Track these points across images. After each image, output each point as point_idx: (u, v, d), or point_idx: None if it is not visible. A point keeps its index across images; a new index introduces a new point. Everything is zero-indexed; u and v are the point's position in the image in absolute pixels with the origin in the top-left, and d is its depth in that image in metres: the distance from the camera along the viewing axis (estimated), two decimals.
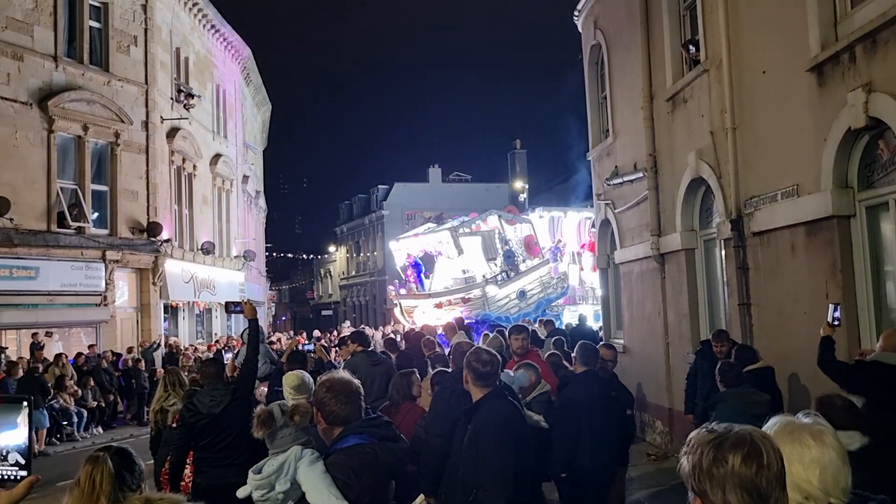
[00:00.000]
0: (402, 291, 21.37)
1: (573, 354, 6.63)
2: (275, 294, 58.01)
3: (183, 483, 5.42)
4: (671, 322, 10.50)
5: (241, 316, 6.29)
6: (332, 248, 61.38)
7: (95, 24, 18.48)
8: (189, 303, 22.75)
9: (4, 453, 2.06)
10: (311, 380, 4.69)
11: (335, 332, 28.29)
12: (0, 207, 15.18)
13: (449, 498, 4.44)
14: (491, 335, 10.32)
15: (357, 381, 3.34)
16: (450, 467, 4.50)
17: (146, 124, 19.49)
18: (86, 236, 17.32)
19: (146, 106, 19.57)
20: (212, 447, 5.34)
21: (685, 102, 9.72)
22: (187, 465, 5.53)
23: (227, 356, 14.19)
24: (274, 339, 21.79)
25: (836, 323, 5.59)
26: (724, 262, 9.01)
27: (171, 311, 21.91)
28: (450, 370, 6.09)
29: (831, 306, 5.67)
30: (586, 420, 5.75)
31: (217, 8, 25.06)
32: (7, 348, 15.37)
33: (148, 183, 19.48)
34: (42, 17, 16.75)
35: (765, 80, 7.69)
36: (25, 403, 2.11)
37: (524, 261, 21.20)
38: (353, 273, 56.22)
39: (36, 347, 15.66)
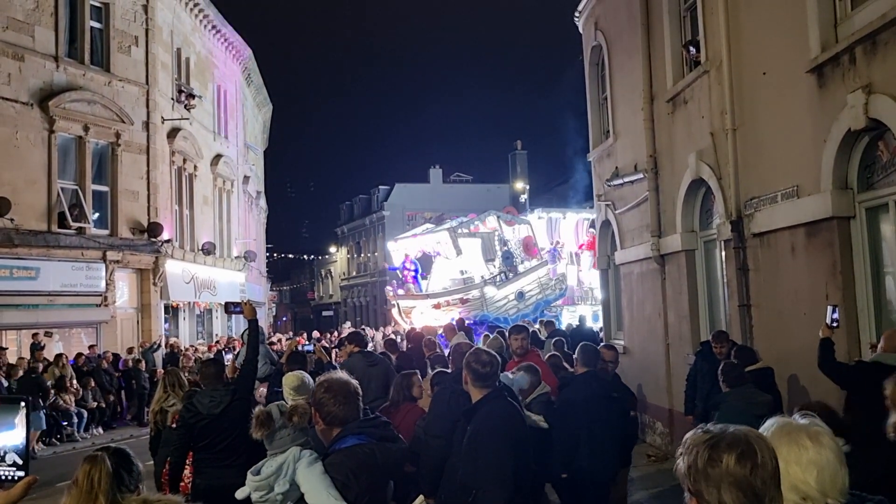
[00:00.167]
0: (400, 292, 21.35)
1: (574, 356, 6.63)
2: (275, 295, 57.98)
3: (182, 484, 5.42)
4: (671, 323, 10.50)
5: (242, 316, 6.29)
6: (332, 249, 61.40)
7: (96, 25, 18.50)
8: (189, 303, 22.76)
9: (2, 454, 2.06)
10: (311, 380, 4.69)
11: (336, 333, 28.27)
12: (0, 208, 15.20)
13: (448, 499, 4.43)
14: (491, 336, 10.35)
15: (355, 382, 3.33)
16: (449, 468, 4.50)
17: (147, 125, 19.51)
18: (86, 237, 17.33)
19: (147, 106, 19.58)
20: (211, 448, 5.33)
21: (685, 103, 9.72)
22: (187, 466, 5.52)
23: (228, 357, 14.22)
24: (274, 339, 21.80)
25: (834, 325, 5.59)
26: (724, 263, 9.01)
27: (172, 311, 21.92)
28: (449, 371, 6.09)
29: (829, 308, 5.67)
30: (585, 421, 5.75)
31: (218, 8, 25.10)
32: (7, 349, 15.38)
33: (148, 183, 19.49)
34: (43, 18, 16.77)
35: (765, 81, 7.69)
36: (23, 404, 2.11)
37: (522, 262, 21.20)
38: (354, 274, 56.26)
39: (36, 348, 15.66)
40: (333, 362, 8.62)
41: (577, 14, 14.71)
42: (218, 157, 25.37)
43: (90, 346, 17.36)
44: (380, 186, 51.83)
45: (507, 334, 8.04)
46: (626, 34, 11.82)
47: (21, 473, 2.05)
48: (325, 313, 58.74)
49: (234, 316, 20.27)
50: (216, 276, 24.28)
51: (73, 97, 17.28)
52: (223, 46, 27.05)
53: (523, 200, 36.44)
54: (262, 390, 6.84)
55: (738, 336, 8.09)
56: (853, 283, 6.42)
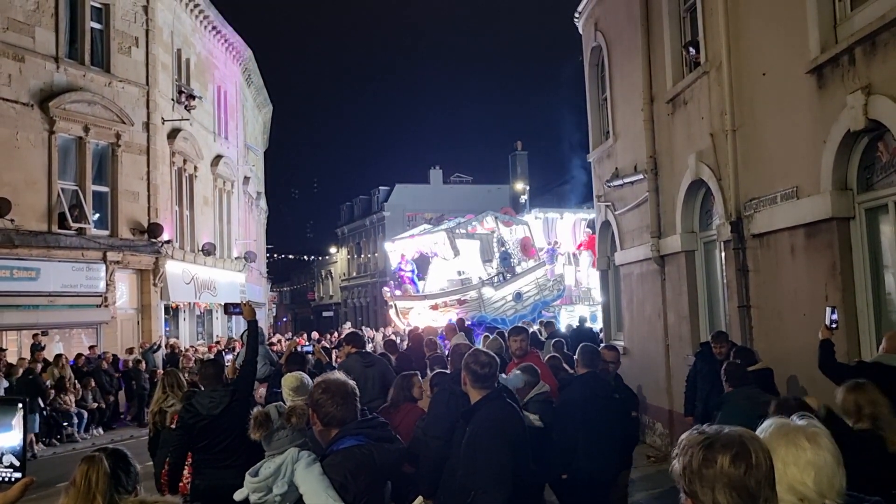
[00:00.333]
0: (398, 293, 21.34)
1: (575, 357, 6.62)
2: (276, 295, 58.02)
3: (181, 484, 5.41)
4: (671, 324, 10.50)
5: (241, 317, 6.28)
6: (332, 250, 61.42)
7: (97, 26, 18.52)
8: (190, 304, 22.77)
9: None
10: (311, 381, 4.68)
11: (336, 334, 28.27)
12: (1, 208, 15.21)
13: (447, 500, 4.43)
14: (490, 337, 10.35)
15: (353, 383, 3.33)
16: (448, 469, 4.50)
17: (147, 125, 19.53)
18: (86, 237, 17.35)
19: (147, 107, 19.60)
20: (210, 449, 5.32)
21: (685, 104, 9.72)
22: (186, 467, 5.52)
23: (228, 358, 14.21)
24: (274, 340, 21.80)
25: (833, 326, 5.58)
26: (723, 263, 9.01)
27: (172, 312, 21.93)
28: (448, 371, 6.09)
29: (828, 309, 5.67)
30: (585, 422, 5.74)
31: (218, 9, 25.13)
32: (7, 349, 15.38)
33: (149, 184, 19.50)
34: (43, 19, 16.78)
35: (765, 82, 7.70)
36: (20, 405, 2.11)
37: (520, 263, 21.20)
38: (354, 274, 56.25)
39: (36, 348, 15.68)
40: (333, 363, 8.61)
41: (576, 15, 14.72)
42: (218, 157, 25.39)
43: (90, 347, 17.37)
44: (380, 187, 51.84)
45: (506, 335, 8.03)
46: (625, 35, 11.83)
47: (18, 475, 2.05)
48: (325, 314, 58.72)
49: (233, 317, 20.35)
50: (216, 277, 24.29)
51: (73, 98, 17.29)
52: (223, 47, 27.07)
53: (523, 201, 36.44)
54: (261, 391, 6.84)
55: (738, 337, 8.09)
56: (853, 283, 6.41)
